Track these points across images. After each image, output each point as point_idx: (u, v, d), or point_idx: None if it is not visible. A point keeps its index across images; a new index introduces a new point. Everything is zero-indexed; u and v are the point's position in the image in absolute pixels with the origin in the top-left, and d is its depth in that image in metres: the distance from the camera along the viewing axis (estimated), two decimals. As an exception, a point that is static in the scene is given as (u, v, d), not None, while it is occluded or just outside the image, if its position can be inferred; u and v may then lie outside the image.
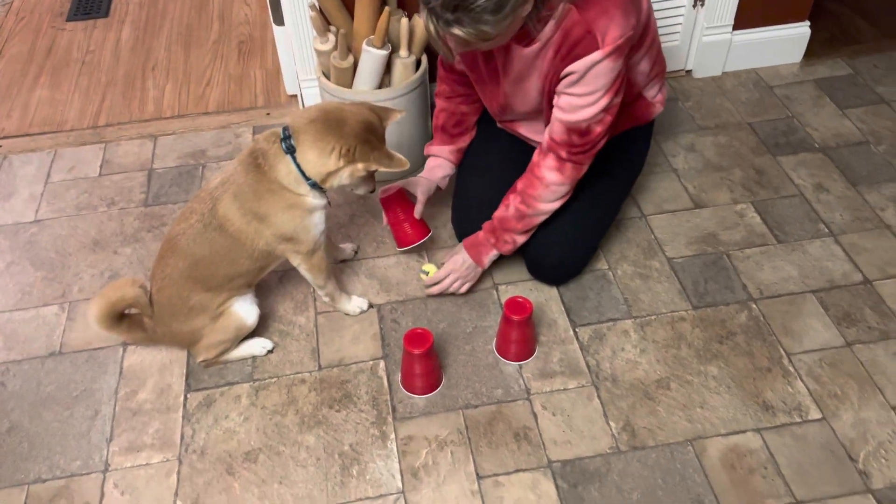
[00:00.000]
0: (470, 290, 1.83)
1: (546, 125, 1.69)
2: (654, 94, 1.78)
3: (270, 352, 1.72)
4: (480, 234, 1.75)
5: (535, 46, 1.51)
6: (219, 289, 1.60)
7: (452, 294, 1.81)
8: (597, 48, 1.44)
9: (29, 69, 2.67)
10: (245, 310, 1.65)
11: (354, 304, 1.78)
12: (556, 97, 1.56)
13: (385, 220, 1.86)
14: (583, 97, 1.50)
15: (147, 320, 1.64)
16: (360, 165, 1.51)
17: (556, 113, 1.57)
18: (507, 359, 1.69)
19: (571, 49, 1.46)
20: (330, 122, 1.50)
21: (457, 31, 1.32)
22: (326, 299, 1.76)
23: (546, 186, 1.64)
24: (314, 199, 1.57)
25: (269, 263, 1.65)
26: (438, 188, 1.89)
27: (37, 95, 2.54)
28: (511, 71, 1.59)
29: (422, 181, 1.85)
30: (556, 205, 1.68)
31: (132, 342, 1.73)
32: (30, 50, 2.77)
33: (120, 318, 1.63)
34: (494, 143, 1.88)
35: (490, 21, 1.31)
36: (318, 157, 1.50)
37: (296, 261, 1.65)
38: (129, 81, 2.59)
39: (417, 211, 1.82)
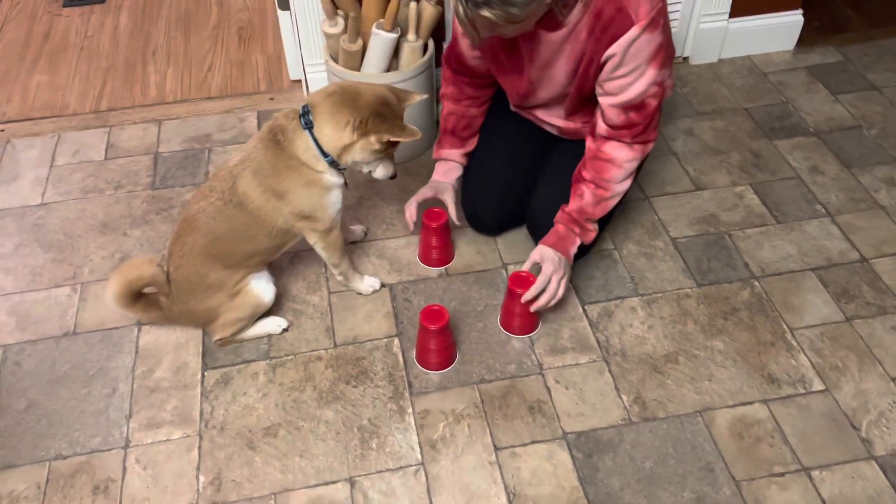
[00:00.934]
0: (480, 270, 1.86)
1: (569, 109, 1.72)
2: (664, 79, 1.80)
3: (286, 330, 1.74)
4: (560, 227, 1.69)
5: (563, 31, 1.52)
6: (237, 266, 1.62)
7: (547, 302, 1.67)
8: (632, 24, 1.45)
9: (26, 54, 2.65)
10: (262, 287, 1.67)
11: (367, 283, 1.81)
12: (599, 87, 1.56)
13: (419, 232, 1.87)
14: (628, 76, 1.51)
15: (163, 299, 1.66)
16: (372, 138, 1.52)
17: (605, 100, 1.57)
18: (511, 333, 1.73)
19: (606, 28, 1.47)
20: (346, 96, 1.53)
21: (486, 12, 1.34)
22: (340, 278, 1.79)
23: (619, 166, 1.63)
24: (332, 177, 1.59)
25: (287, 241, 1.67)
26: (455, 189, 1.89)
27: (36, 80, 2.53)
28: (537, 57, 1.60)
29: (449, 187, 1.85)
30: (628, 182, 1.68)
31: (148, 321, 1.74)
32: (26, 35, 2.75)
33: (136, 297, 1.64)
34: (505, 123, 1.89)
35: (518, 3, 1.33)
36: (333, 131, 1.52)
37: (312, 239, 1.67)
38: (129, 66, 2.58)
39: (453, 214, 1.83)
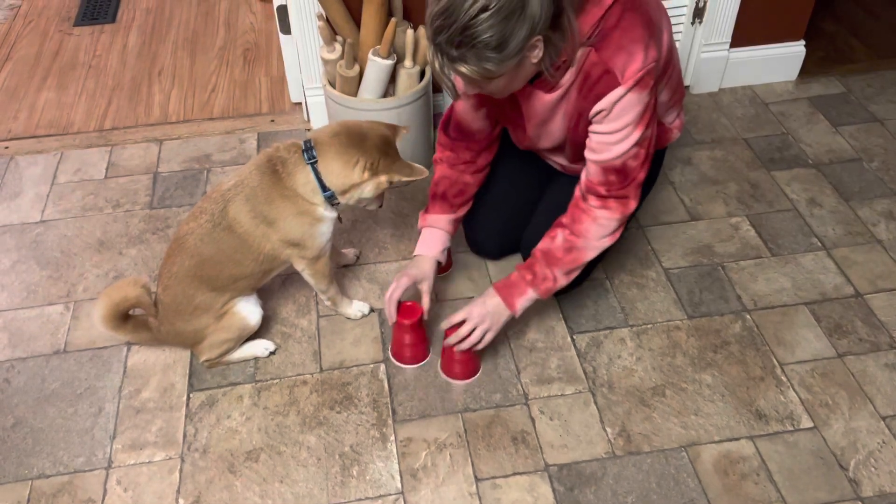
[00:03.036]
0: (471, 297, 1.86)
1: (570, 157, 1.72)
2: (672, 120, 1.78)
3: (273, 353, 1.75)
4: (514, 274, 1.61)
5: (558, 93, 1.50)
6: (223, 289, 1.63)
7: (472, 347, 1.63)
8: (617, 84, 1.43)
9: (36, 72, 2.70)
10: (248, 310, 1.68)
11: (356, 308, 1.82)
12: (588, 139, 1.54)
13: (391, 322, 1.70)
14: (613, 134, 1.48)
15: (152, 320, 1.67)
16: (383, 178, 1.58)
17: (588, 155, 1.54)
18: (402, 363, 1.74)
19: (592, 88, 1.46)
20: (352, 136, 1.57)
21: (462, 68, 1.33)
22: (328, 303, 1.79)
23: (594, 220, 1.56)
24: (325, 211, 1.61)
25: (274, 268, 1.68)
26: (438, 264, 1.77)
27: (43, 98, 2.57)
28: (535, 115, 1.59)
29: (429, 276, 1.72)
30: (607, 241, 1.59)
31: (138, 342, 1.75)
32: (37, 53, 2.80)
33: (125, 318, 1.65)
34: (511, 151, 1.87)
35: (493, 59, 1.31)
36: (342, 169, 1.57)
37: (300, 265, 1.68)
38: (135, 86, 2.62)
39: (426, 306, 1.70)
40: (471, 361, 1.68)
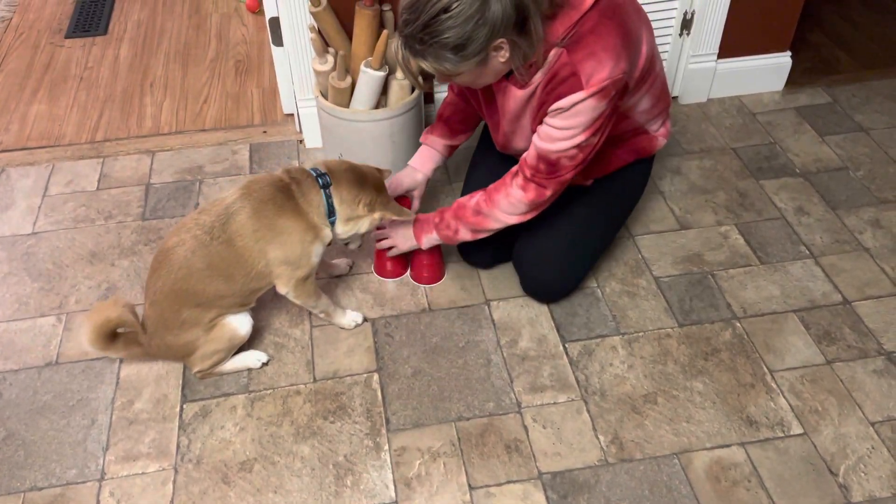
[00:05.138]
0: (463, 306, 1.87)
1: None
2: (657, 128, 1.81)
3: (266, 364, 1.75)
4: (431, 213, 1.80)
5: (528, 89, 1.54)
6: (208, 305, 1.63)
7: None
8: (580, 88, 1.46)
9: (27, 84, 2.70)
10: (238, 321, 1.68)
11: (349, 317, 1.82)
12: (539, 126, 1.59)
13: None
14: (560, 130, 1.52)
15: (142, 336, 1.67)
16: (377, 215, 1.70)
17: (533, 138, 1.59)
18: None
19: (555, 88, 1.49)
20: (356, 174, 1.68)
21: (421, 62, 1.39)
22: (322, 315, 1.80)
23: (507, 196, 1.65)
24: (327, 232, 1.67)
25: (261, 287, 1.67)
26: (428, 180, 1.95)
27: (34, 110, 2.57)
28: (508, 111, 1.63)
29: (423, 182, 1.93)
30: (513, 219, 1.69)
31: (130, 358, 1.75)
32: (28, 65, 2.80)
33: (113, 337, 1.64)
34: (500, 159, 1.90)
35: (451, 59, 1.36)
36: (351, 201, 1.67)
37: (285, 287, 1.67)
38: (126, 98, 2.63)
39: (414, 208, 1.92)
40: (397, 266, 1.95)
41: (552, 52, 1.47)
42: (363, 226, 1.71)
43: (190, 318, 1.62)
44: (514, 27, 1.36)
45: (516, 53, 1.42)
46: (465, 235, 1.75)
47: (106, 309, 1.61)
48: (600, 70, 1.45)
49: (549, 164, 1.58)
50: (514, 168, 1.68)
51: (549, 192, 1.64)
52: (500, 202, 1.67)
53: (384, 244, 1.87)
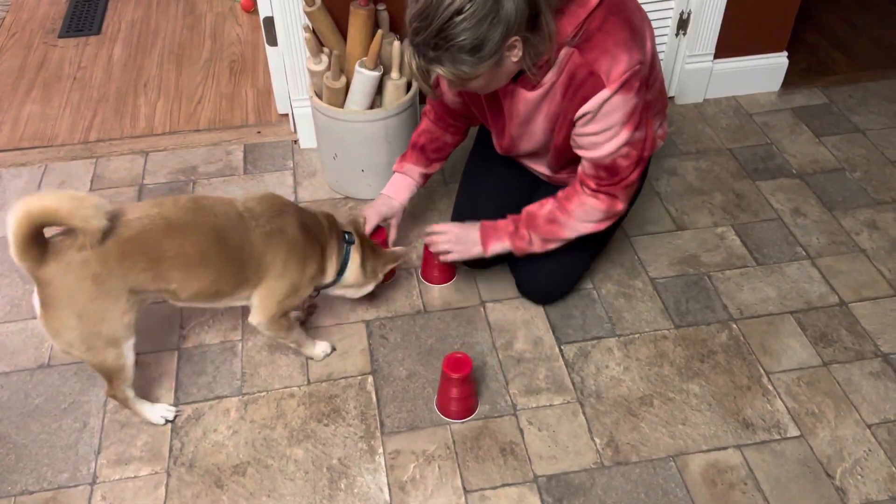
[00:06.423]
0: (458, 307, 1.86)
1: (551, 164, 1.74)
2: (655, 129, 1.78)
3: (171, 422, 1.64)
4: (502, 221, 1.71)
5: (540, 91, 1.52)
6: (166, 279, 1.47)
7: (438, 254, 1.78)
8: (603, 87, 1.44)
9: (20, 84, 2.68)
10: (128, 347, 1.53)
11: (319, 348, 1.76)
12: (573, 141, 1.57)
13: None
14: (599, 134, 1.50)
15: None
16: (380, 275, 1.77)
17: (580, 152, 1.57)
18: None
19: (577, 91, 1.47)
20: (366, 244, 1.75)
21: (438, 69, 1.36)
22: (292, 345, 1.73)
23: (581, 203, 1.62)
24: (327, 280, 1.68)
25: (222, 300, 1.58)
26: (404, 209, 1.90)
27: (27, 110, 2.56)
28: (517, 114, 1.61)
29: (399, 211, 1.88)
30: (589, 227, 1.65)
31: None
32: (21, 65, 2.78)
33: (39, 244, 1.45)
34: (497, 161, 1.88)
35: (468, 62, 1.34)
36: (359, 266, 1.72)
37: (259, 317, 1.60)
38: (120, 98, 2.61)
39: (392, 238, 1.89)
40: (446, 271, 1.90)
41: (563, 52, 1.46)
42: (365, 290, 1.77)
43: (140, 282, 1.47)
44: (526, 24, 1.35)
45: (529, 51, 1.41)
46: (537, 246, 1.68)
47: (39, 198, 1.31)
48: (617, 65, 1.44)
49: (607, 170, 1.56)
50: (577, 179, 1.64)
51: (620, 203, 1.62)
52: (575, 211, 1.63)
53: (440, 248, 1.75)
